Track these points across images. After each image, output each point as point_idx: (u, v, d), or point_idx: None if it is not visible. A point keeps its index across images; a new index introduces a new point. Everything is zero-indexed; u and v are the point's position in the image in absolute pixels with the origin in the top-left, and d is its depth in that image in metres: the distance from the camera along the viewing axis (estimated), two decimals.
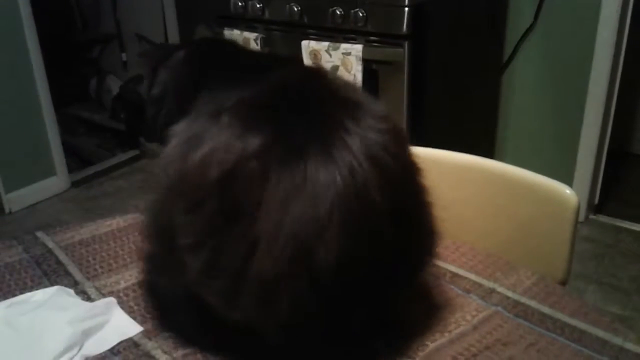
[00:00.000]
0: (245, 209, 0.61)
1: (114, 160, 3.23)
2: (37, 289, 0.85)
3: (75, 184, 3.05)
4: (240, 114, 0.66)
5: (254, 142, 0.61)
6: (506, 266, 0.91)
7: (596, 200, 2.57)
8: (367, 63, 2.00)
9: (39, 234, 1.01)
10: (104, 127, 3.62)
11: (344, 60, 2.04)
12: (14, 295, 0.84)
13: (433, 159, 1.15)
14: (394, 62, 1.98)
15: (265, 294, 0.61)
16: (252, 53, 0.91)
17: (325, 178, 0.60)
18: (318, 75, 0.77)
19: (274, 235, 0.60)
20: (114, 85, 3.73)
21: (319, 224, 0.60)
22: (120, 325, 0.78)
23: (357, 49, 2.00)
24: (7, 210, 2.77)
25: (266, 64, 0.87)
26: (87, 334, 0.75)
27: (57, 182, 2.97)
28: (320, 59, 2.10)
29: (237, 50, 0.91)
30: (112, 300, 0.82)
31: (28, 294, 0.84)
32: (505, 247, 1.00)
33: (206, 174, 0.62)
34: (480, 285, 0.86)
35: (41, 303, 0.81)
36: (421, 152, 1.16)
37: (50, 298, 0.82)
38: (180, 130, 0.69)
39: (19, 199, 2.80)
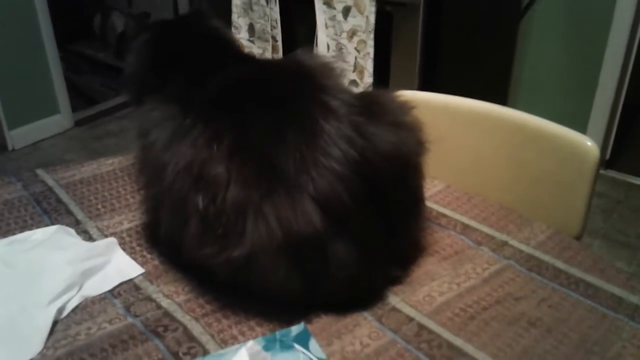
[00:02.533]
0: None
1: (118, 100, 3.18)
2: (37, 227, 0.83)
3: (79, 123, 3.02)
4: (203, 115, 0.70)
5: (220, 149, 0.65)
6: (519, 219, 0.88)
7: (608, 155, 2.52)
8: (381, 4, 1.93)
9: (39, 171, 0.98)
10: (108, 65, 3.55)
11: (357, 0, 1.96)
12: (14, 233, 0.82)
13: (445, 105, 1.11)
14: (409, 3, 1.90)
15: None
16: (222, 44, 0.88)
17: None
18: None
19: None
20: (119, 22, 3.64)
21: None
22: (121, 266, 0.76)
23: None
24: (10, 147, 2.74)
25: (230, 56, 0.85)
26: (86, 274, 0.73)
27: (60, 120, 2.93)
28: None
29: (205, 37, 0.88)
30: (113, 240, 0.80)
31: (28, 233, 0.82)
32: (519, 199, 0.97)
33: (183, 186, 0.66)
34: (492, 237, 0.83)
35: (41, 242, 0.79)
36: (433, 98, 1.13)
37: (50, 237, 0.80)
38: (146, 130, 0.73)
39: (22, 136, 2.77)
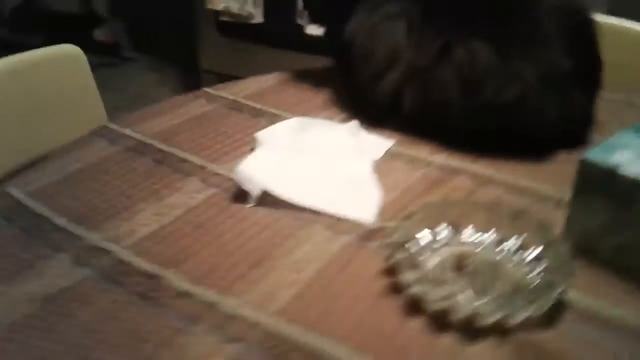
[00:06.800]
0: None
1: None
2: None
3: None
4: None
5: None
6: None
7: None
8: None
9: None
10: (4, 41, 3.26)
11: None
12: None
13: None
14: None
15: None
16: None
17: None
18: None
19: None
20: None
21: None
22: (375, 141, 0.87)
23: None
24: None
25: None
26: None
27: None
28: None
29: None
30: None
31: (273, 127, 0.87)
32: None
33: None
34: None
35: (301, 127, 0.86)
36: None
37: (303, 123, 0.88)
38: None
39: None
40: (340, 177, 0.76)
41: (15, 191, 0.73)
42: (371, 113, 0.91)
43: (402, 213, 0.68)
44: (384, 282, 0.59)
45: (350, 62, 0.92)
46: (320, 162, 0.78)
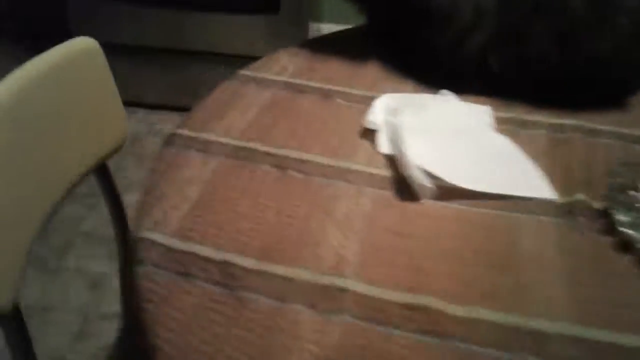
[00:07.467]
0: None
1: None
2: None
3: None
4: None
5: None
6: None
7: None
8: None
9: None
10: None
11: None
12: None
13: None
14: None
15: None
16: None
17: None
18: None
19: None
20: None
21: None
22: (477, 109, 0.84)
23: None
24: None
25: None
26: None
27: None
28: None
29: None
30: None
31: (377, 110, 0.80)
32: None
33: None
34: None
35: (407, 106, 0.80)
36: None
37: (401, 101, 0.81)
38: None
39: None
40: (489, 154, 0.74)
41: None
42: (452, 78, 0.88)
43: (572, 184, 0.69)
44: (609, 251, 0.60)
45: (423, 26, 0.87)
46: (459, 142, 0.75)
